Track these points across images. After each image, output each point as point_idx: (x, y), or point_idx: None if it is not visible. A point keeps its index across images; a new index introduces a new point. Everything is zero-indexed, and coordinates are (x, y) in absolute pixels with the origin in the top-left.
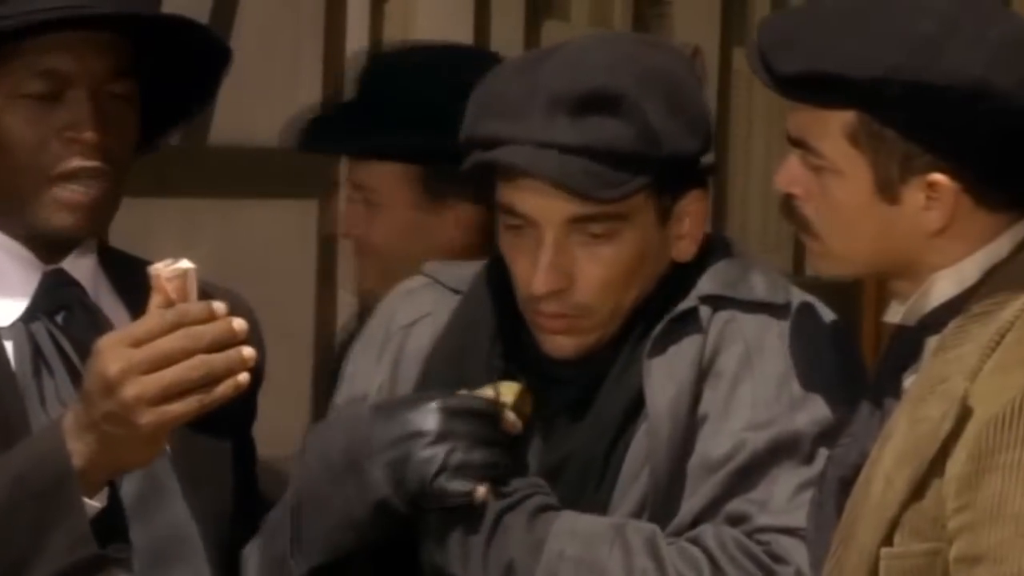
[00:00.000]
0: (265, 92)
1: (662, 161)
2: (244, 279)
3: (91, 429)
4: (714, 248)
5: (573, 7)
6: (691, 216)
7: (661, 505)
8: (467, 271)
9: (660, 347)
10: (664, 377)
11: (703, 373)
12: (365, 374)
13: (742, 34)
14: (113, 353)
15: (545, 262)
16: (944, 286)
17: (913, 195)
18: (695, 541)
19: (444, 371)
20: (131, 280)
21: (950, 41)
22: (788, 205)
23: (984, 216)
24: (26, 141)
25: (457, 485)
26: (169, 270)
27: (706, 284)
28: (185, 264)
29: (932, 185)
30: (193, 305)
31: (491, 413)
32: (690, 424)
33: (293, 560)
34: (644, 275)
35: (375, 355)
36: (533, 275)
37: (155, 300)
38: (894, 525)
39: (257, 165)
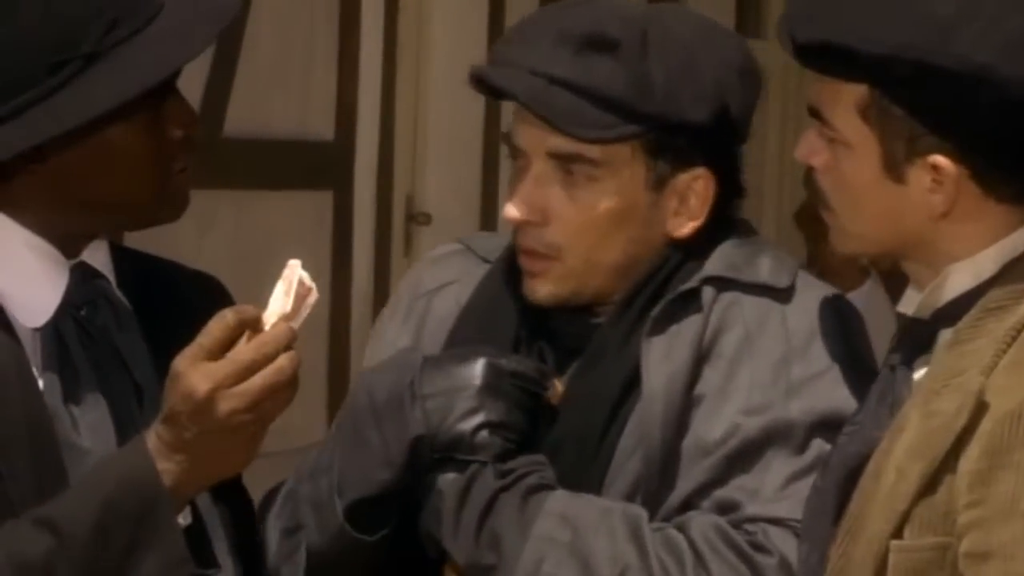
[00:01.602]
0: (280, 85)
1: (655, 119)
2: (259, 269)
3: (181, 450)
4: (729, 231)
5: None
6: (694, 194)
7: (655, 485)
8: (501, 241)
9: (660, 327)
10: (662, 356)
11: (704, 354)
12: (390, 337)
13: (757, 27)
14: (197, 373)
15: (520, 189)
16: (960, 279)
17: (918, 176)
18: (681, 528)
19: (472, 338)
20: (135, 272)
21: (965, 26)
22: (810, 178)
23: (995, 206)
24: (150, 149)
25: (498, 442)
26: (306, 276)
27: (711, 265)
28: (314, 289)
29: (935, 167)
30: (246, 308)
31: (536, 379)
32: (685, 404)
33: (336, 497)
34: (628, 237)
35: (401, 318)
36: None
37: (279, 288)
38: (905, 518)
39: (272, 157)
